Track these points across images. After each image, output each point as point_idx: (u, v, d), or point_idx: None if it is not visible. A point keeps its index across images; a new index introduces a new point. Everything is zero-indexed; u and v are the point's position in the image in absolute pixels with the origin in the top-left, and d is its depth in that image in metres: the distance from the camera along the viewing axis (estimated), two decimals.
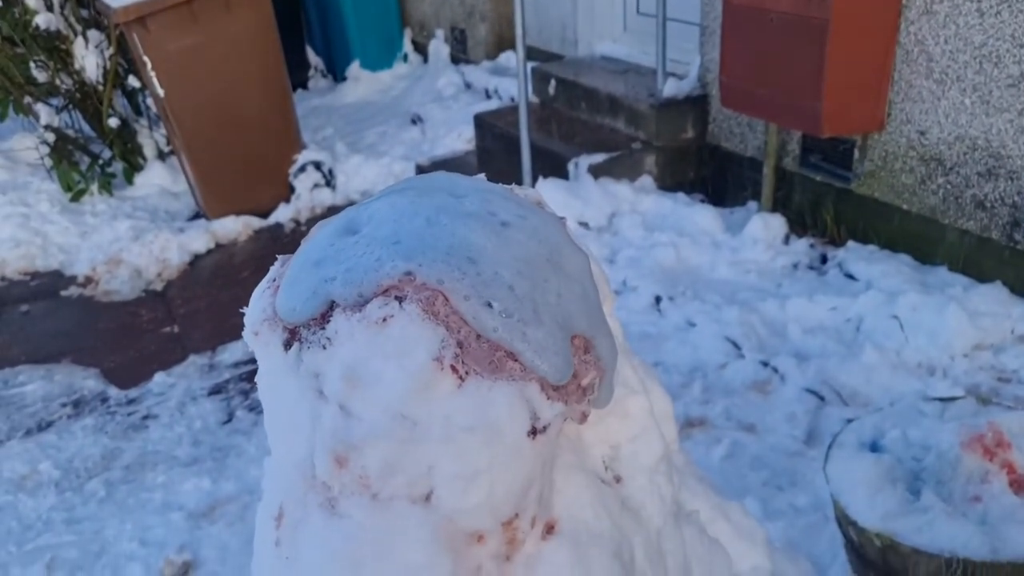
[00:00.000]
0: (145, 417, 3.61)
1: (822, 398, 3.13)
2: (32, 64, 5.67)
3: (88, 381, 3.93)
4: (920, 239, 3.86)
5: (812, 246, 4.18)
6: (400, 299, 1.01)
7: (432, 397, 0.99)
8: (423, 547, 1.00)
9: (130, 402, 3.73)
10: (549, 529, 1.12)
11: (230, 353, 4.04)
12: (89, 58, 5.65)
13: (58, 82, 5.77)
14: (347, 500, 1.01)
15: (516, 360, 1.03)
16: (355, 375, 0.99)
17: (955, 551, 1.97)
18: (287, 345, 1.07)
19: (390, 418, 0.98)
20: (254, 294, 1.17)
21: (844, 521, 2.16)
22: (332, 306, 1.05)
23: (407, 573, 1.00)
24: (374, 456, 0.99)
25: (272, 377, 1.11)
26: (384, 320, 0.99)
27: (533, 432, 1.03)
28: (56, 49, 5.67)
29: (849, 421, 2.46)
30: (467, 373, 1.00)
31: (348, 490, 1.01)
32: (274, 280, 1.15)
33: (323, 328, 1.03)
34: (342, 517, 1.01)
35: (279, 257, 1.20)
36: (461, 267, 1.04)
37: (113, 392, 3.83)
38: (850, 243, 4.09)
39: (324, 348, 1.02)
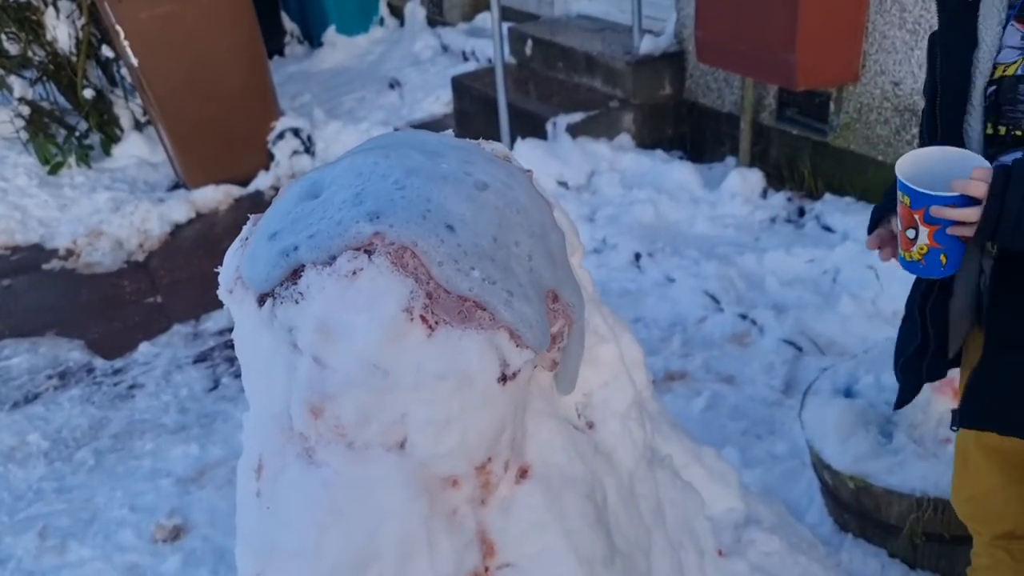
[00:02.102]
0: (131, 387, 3.63)
1: (799, 348, 3.18)
2: (3, 36, 5.60)
3: (73, 353, 3.94)
4: None
5: (789, 199, 4.21)
6: (369, 253, 1.03)
7: (403, 347, 1.02)
8: (399, 492, 1.04)
9: (116, 372, 3.75)
10: (523, 473, 1.16)
11: (214, 321, 4.05)
12: (61, 28, 5.58)
13: (30, 54, 5.70)
14: (324, 449, 1.04)
15: (485, 309, 1.05)
16: (327, 327, 1.02)
17: (926, 491, 2.03)
18: (260, 301, 1.09)
19: (363, 368, 1.01)
20: (227, 253, 1.19)
21: (819, 465, 2.22)
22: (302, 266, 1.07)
23: (384, 518, 1.04)
24: (349, 405, 1.02)
25: (247, 333, 1.13)
26: (354, 273, 1.02)
27: (503, 378, 1.06)
28: (27, 20, 5.60)
29: (824, 370, 2.51)
30: (437, 323, 1.03)
31: (324, 439, 1.04)
32: (247, 239, 1.17)
33: (295, 283, 1.05)
34: (319, 466, 1.04)
35: (251, 216, 1.22)
36: (438, 233, 1.05)
37: (99, 363, 3.84)
38: (827, 195, 4.12)
39: (297, 303, 1.04)
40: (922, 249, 1.33)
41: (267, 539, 1.08)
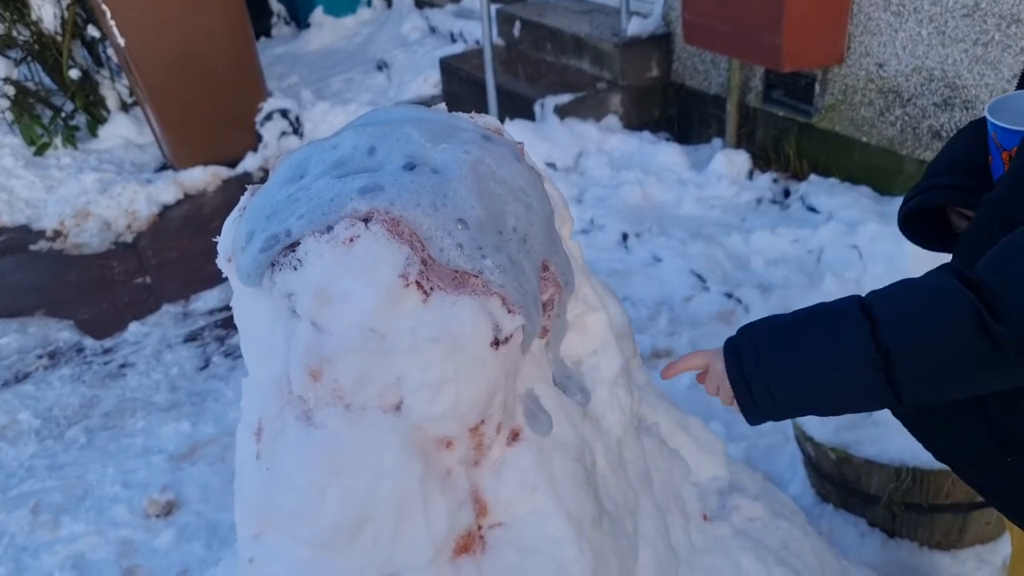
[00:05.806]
0: (122, 366, 3.65)
1: None
2: None
3: (63, 333, 3.95)
4: (879, 171, 3.94)
5: (775, 180, 4.25)
6: (366, 220, 1.06)
7: (399, 312, 1.05)
8: (395, 453, 1.07)
9: (106, 352, 3.77)
10: (514, 436, 1.19)
11: (204, 301, 4.07)
12: (46, 8, 5.56)
13: (15, 34, 5.67)
14: (322, 411, 1.07)
15: (478, 277, 1.09)
16: (325, 293, 1.04)
17: (905, 461, 2.08)
18: None
19: (360, 332, 1.04)
20: (226, 223, 1.21)
21: (802, 437, 2.26)
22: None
23: (380, 477, 1.07)
24: (346, 368, 1.05)
25: (247, 300, 1.16)
26: (351, 240, 1.05)
27: (496, 343, 1.09)
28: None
29: None
30: (431, 289, 1.06)
31: (323, 402, 1.07)
32: (244, 208, 1.20)
33: (293, 251, 1.08)
34: (318, 427, 1.07)
35: (248, 187, 1.24)
36: (446, 227, 1.07)
37: (88, 342, 3.85)
38: (812, 176, 4.16)
39: (295, 269, 1.07)
40: None
41: (266, 499, 1.11)
